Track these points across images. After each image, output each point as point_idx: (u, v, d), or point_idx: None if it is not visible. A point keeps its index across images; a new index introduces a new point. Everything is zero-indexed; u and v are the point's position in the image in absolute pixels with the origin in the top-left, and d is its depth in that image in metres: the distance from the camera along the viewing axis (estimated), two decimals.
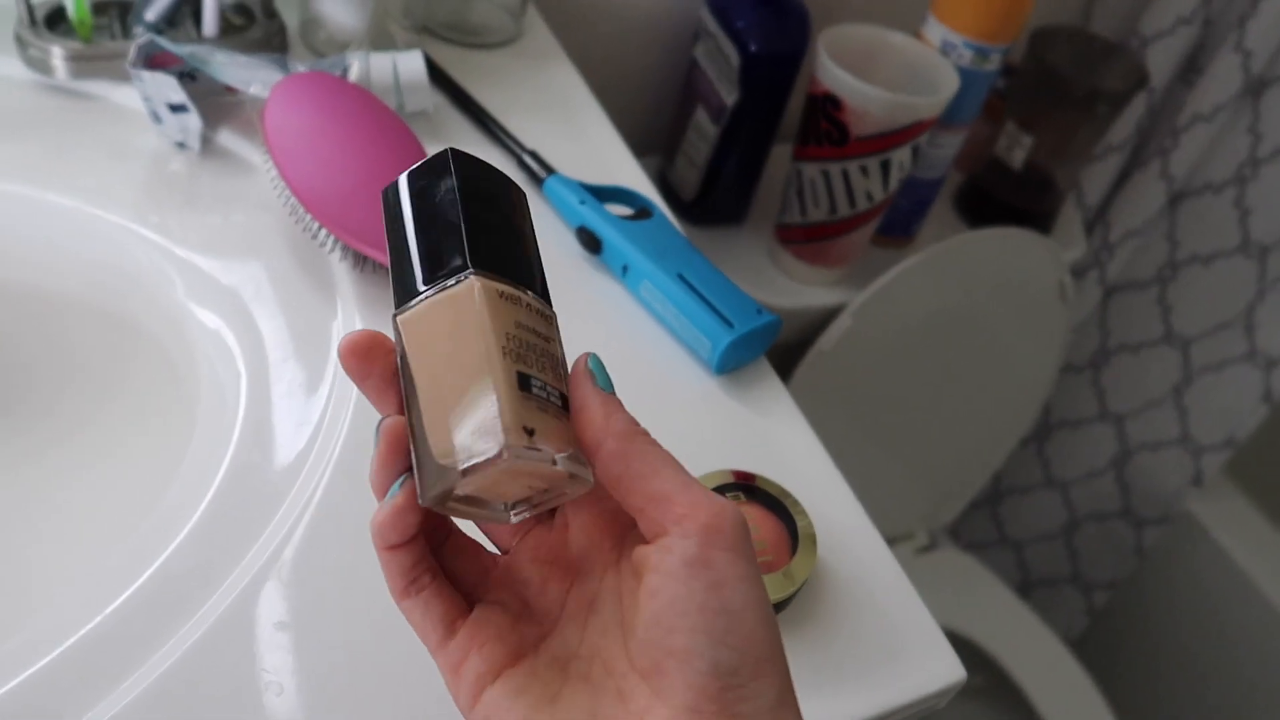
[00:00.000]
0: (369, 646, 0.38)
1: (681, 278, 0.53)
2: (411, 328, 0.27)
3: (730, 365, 0.52)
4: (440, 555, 0.29)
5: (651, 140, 0.91)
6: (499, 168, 0.29)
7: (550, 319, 0.28)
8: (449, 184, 0.27)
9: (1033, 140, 0.92)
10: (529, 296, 0.27)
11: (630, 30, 0.84)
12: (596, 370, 0.27)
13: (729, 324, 0.51)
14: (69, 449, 0.51)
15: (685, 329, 0.52)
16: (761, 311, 0.52)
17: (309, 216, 0.49)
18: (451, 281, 0.26)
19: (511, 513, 0.28)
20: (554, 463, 0.25)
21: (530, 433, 0.25)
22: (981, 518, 1.34)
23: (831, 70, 0.74)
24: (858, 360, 0.89)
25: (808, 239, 0.84)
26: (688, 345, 0.53)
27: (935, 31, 0.79)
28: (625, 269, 0.54)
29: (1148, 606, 1.22)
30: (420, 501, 0.26)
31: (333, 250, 0.50)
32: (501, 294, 0.26)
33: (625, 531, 0.29)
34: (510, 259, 0.27)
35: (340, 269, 0.51)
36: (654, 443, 0.27)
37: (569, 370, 0.28)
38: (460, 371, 0.25)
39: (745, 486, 0.46)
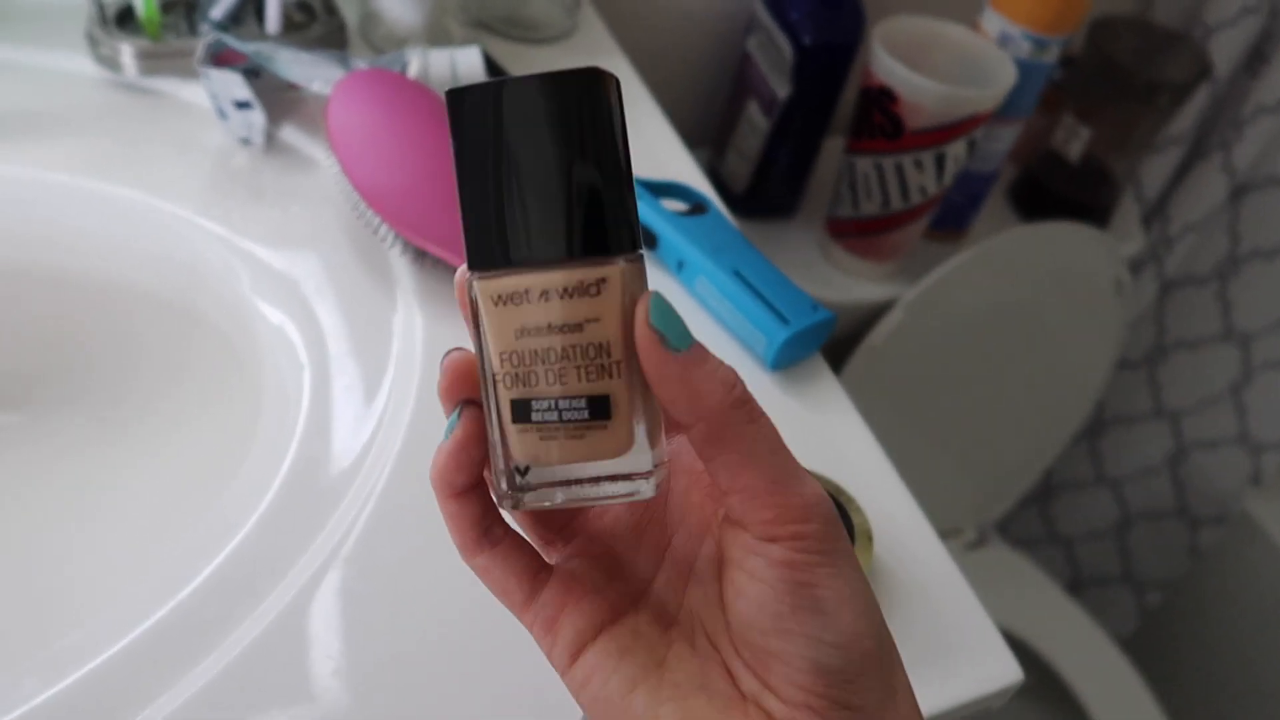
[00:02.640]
0: (432, 635, 0.38)
1: (737, 273, 0.53)
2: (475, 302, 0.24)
3: (785, 361, 0.52)
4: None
5: (702, 133, 0.91)
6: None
7: (594, 286, 0.22)
8: (456, 138, 0.23)
9: (1091, 132, 0.90)
10: (545, 275, 0.22)
11: (682, 23, 0.84)
12: (662, 326, 0.22)
13: (784, 320, 0.51)
14: (136, 438, 0.53)
15: (740, 325, 0.52)
16: (817, 308, 0.52)
17: (370, 212, 0.50)
18: (473, 284, 0.23)
19: (634, 488, 0.25)
20: (569, 483, 0.23)
21: (524, 471, 0.23)
22: (1031, 514, 1.33)
23: (886, 63, 0.73)
24: (909, 355, 0.88)
25: (860, 233, 0.83)
26: (743, 341, 0.53)
27: (993, 23, 0.78)
28: (680, 264, 0.54)
29: (1202, 607, 1.20)
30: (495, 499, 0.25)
31: (393, 245, 0.51)
32: (499, 299, 0.23)
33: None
34: (523, 227, 0.22)
35: (400, 264, 0.52)
36: (753, 419, 0.23)
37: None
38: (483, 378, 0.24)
39: None
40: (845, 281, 0.86)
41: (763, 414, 0.24)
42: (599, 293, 0.22)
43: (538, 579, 0.26)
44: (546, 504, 0.24)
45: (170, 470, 0.51)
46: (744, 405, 0.23)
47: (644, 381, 0.23)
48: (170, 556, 0.41)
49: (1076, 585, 1.32)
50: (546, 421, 0.23)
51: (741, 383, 0.24)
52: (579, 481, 0.24)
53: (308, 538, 0.41)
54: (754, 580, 0.23)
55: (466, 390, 0.24)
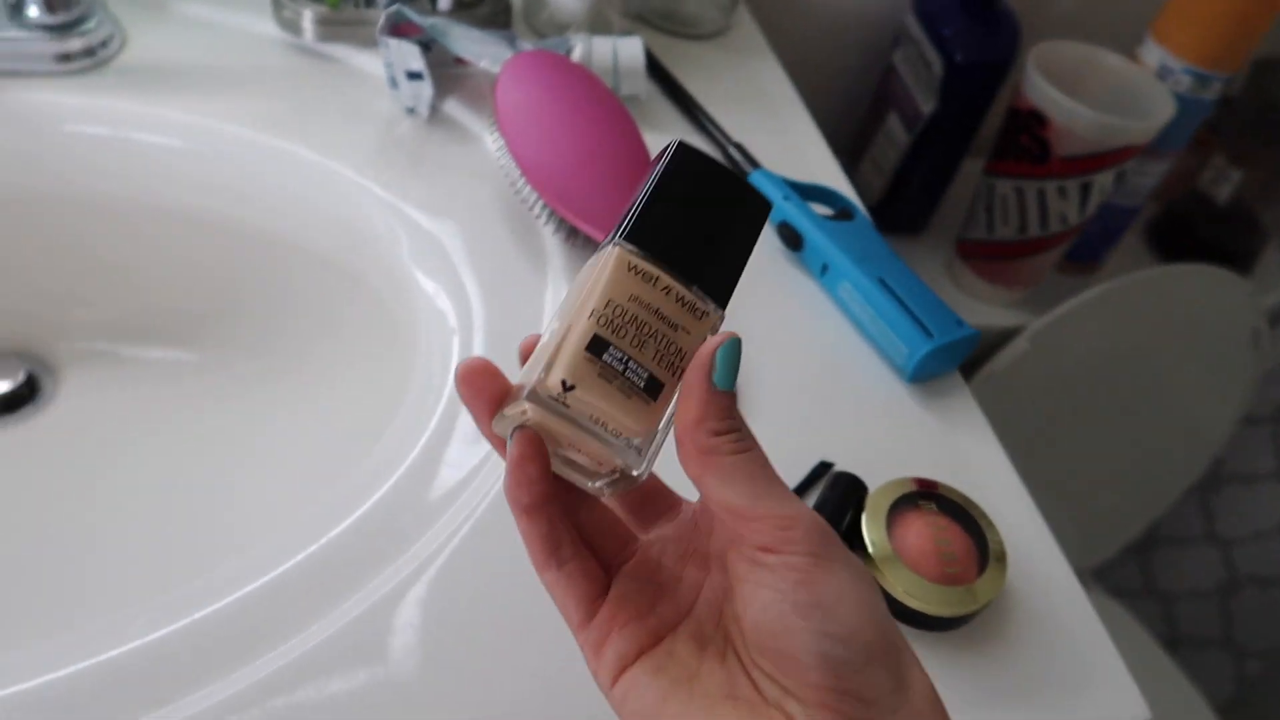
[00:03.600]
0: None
1: (882, 282, 0.52)
2: (583, 270, 0.28)
3: (924, 374, 0.51)
4: (580, 522, 0.30)
5: (838, 142, 0.90)
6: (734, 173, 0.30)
7: (700, 313, 0.27)
8: (666, 168, 0.28)
9: (1242, 175, 0.87)
10: (677, 283, 0.27)
11: (832, 31, 0.84)
12: (720, 362, 0.26)
13: (928, 333, 0.50)
14: (291, 387, 0.55)
15: (882, 333, 0.52)
16: (962, 324, 0.52)
17: (529, 188, 0.51)
18: (609, 244, 0.28)
19: (598, 484, 0.28)
20: (578, 424, 0.26)
21: (569, 388, 0.26)
22: (1131, 564, 1.28)
23: (1041, 87, 0.72)
24: (1028, 387, 0.86)
25: (991, 256, 0.82)
26: (882, 350, 0.52)
27: (1153, 54, 0.76)
28: (824, 268, 0.54)
29: None
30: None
31: (548, 222, 0.52)
32: (633, 268, 0.27)
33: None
34: (678, 246, 0.28)
35: (553, 241, 0.53)
36: (741, 449, 0.26)
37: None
38: (563, 318, 0.27)
39: (928, 494, 0.46)
40: (970, 304, 0.85)
41: (752, 447, 0.27)
42: (699, 318, 0.28)
43: (595, 604, 0.29)
44: (556, 425, 0.26)
45: (320, 423, 0.53)
46: (734, 441, 0.26)
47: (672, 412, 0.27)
48: (313, 504, 0.43)
49: (1172, 643, 1.27)
50: (611, 367, 0.26)
51: (745, 431, 0.27)
52: (594, 434, 0.26)
53: (449, 499, 0.42)
54: (759, 588, 0.25)
55: (483, 384, 0.27)
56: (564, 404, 0.26)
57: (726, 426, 0.26)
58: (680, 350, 0.27)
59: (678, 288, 0.27)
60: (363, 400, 0.52)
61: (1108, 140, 0.71)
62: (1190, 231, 0.92)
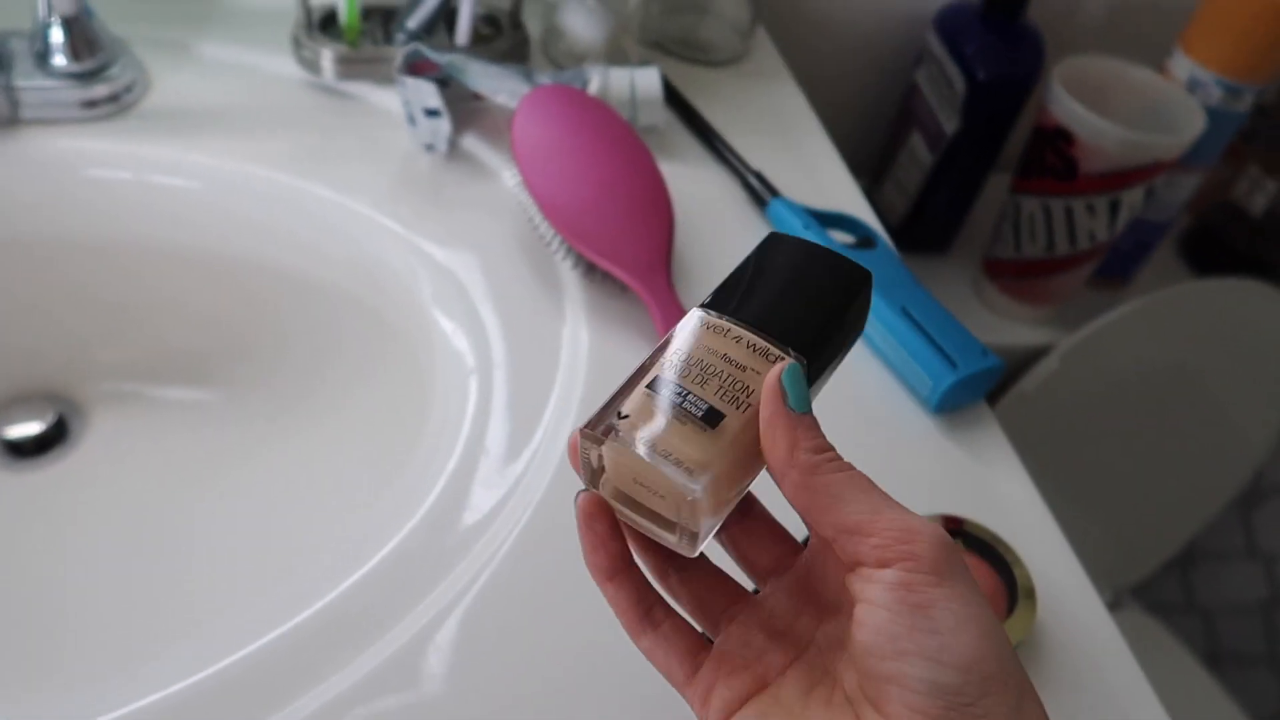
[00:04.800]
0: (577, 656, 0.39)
1: (905, 312, 0.52)
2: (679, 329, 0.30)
3: (949, 405, 0.51)
4: (679, 582, 0.30)
5: (861, 162, 0.90)
6: (825, 246, 0.31)
7: (774, 358, 0.28)
8: (761, 260, 0.30)
9: (1278, 186, 0.85)
10: (749, 332, 0.28)
11: (853, 51, 0.83)
12: (789, 386, 0.26)
13: (953, 364, 0.50)
14: (306, 426, 0.55)
15: (905, 364, 0.51)
16: (986, 353, 0.51)
17: (546, 224, 0.51)
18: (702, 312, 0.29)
19: (678, 537, 0.28)
20: (632, 450, 0.26)
21: (623, 417, 0.27)
22: (1170, 580, 1.26)
23: (1066, 103, 0.71)
24: (1059, 406, 0.85)
25: (1019, 275, 0.81)
26: (906, 381, 0.52)
27: (1182, 67, 0.75)
28: None
29: None
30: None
31: (566, 258, 0.52)
32: (706, 325, 0.28)
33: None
34: (756, 305, 0.29)
35: (571, 277, 0.53)
36: (843, 468, 0.26)
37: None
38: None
39: (954, 532, 0.45)
40: (998, 323, 0.84)
41: (853, 467, 0.26)
42: (771, 361, 0.28)
43: (698, 659, 0.28)
44: (604, 458, 0.27)
45: (341, 462, 0.53)
46: (834, 460, 0.26)
47: (746, 455, 0.27)
48: (341, 542, 0.43)
49: (1213, 660, 1.24)
50: (668, 401, 0.27)
51: (834, 451, 0.26)
52: (652, 464, 0.26)
53: (472, 538, 0.42)
54: (873, 608, 0.24)
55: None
56: (617, 432, 0.27)
57: (824, 444, 0.26)
58: (746, 387, 0.27)
59: (749, 335, 0.28)
60: (385, 438, 0.52)
61: (1136, 157, 0.69)
62: (1224, 243, 0.91)
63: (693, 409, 0.27)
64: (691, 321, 0.29)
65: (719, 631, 0.29)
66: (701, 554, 0.30)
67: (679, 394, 0.27)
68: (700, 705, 0.28)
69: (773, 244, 0.31)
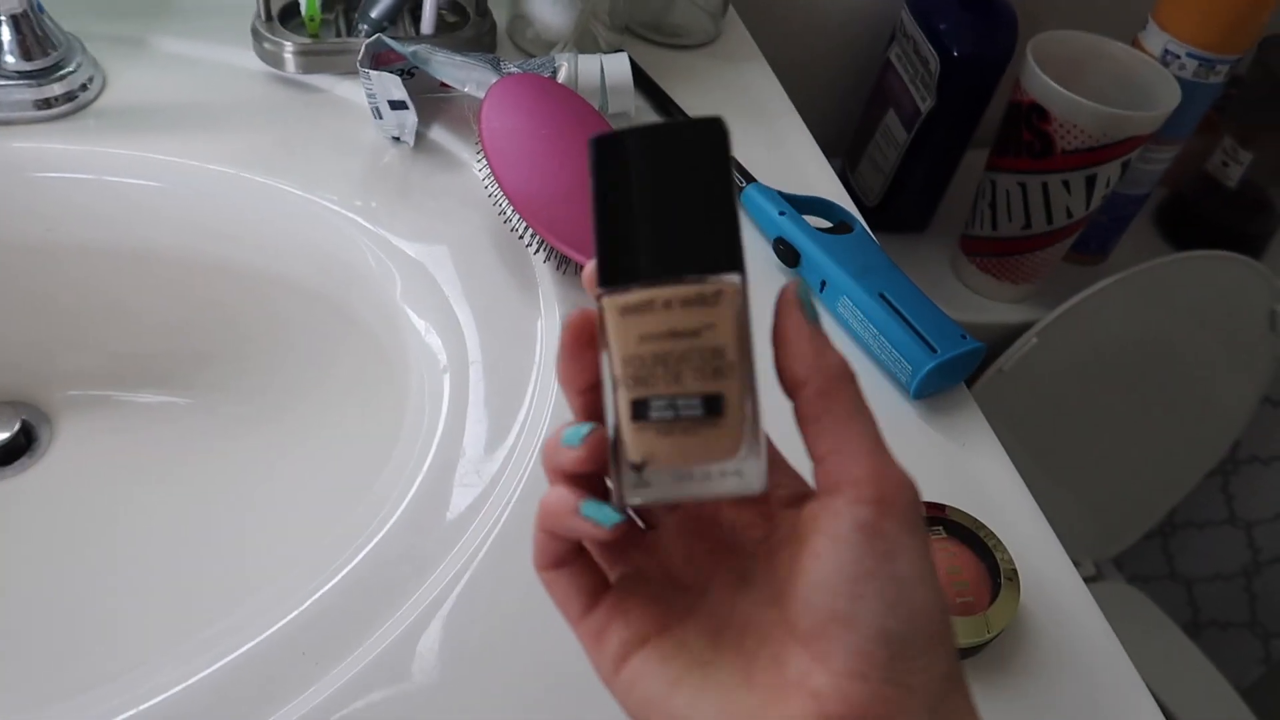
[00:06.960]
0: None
1: (883, 297, 0.51)
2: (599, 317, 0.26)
3: (929, 390, 0.50)
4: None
5: (835, 143, 0.89)
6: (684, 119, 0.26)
7: (710, 298, 0.25)
8: (596, 177, 0.26)
9: (1253, 157, 0.85)
10: (667, 289, 0.25)
11: (825, 31, 0.83)
12: (805, 300, 0.26)
13: (931, 348, 0.49)
14: (284, 429, 0.54)
15: (883, 350, 0.51)
16: (966, 337, 0.50)
17: (517, 216, 0.50)
18: (602, 300, 0.26)
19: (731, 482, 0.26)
20: (669, 495, 0.25)
21: (639, 468, 0.25)
22: (1152, 550, 1.27)
23: (1040, 80, 0.70)
24: (1038, 382, 0.85)
25: (996, 253, 0.81)
26: (885, 367, 0.51)
27: (1156, 40, 0.75)
28: (823, 284, 0.53)
29: None
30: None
31: (538, 251, 0.51)
32: (624, 309, 0.25)
33: (781, 509, 0.27)
34: (648, 251, 0.25)
35: (544, 269, 0.52)
36: (860, 392, 0.25)
37: (745, 343, 0.25)
38: (607, 396, 0.26)
39: (936, 519, 0.45)
40: (976, 301, 0.83)
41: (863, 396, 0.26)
42: (717, 302, 0.25)
43: (598, 596, 0.28)
44: (660, 499, 0.25)
45: (315, 465, 0.52)
46: (854, 379, 0.25)
47: (753, 384, 0.25)
48: (316, 548, 0.42)
49: (1196, 627, 1.25)
50: (663, 418, 0.25)
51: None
52: (692, 478, 0.25)
53: (454, 534, 0.41)
54: (836, 542, 0.24)
55: (586, 347, 0.26)
56: (649, 484, 0.25)
57: (844, 362, 0.25)
58: (716, 349, 0.25)
59: (669, 292, 0.25)
60: (359, 435, 0.51)
61: (1110, 132, 0.69)
62: (1200, 216, 0.91)
63: (690, 413, 0.25)
64: (611, 317, 0.25)
65: (616, 571, 0.28)
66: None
67: (668, 406, 0.25)
68: (593, 643, 0.27)
69: (607, 154, 0.26)
